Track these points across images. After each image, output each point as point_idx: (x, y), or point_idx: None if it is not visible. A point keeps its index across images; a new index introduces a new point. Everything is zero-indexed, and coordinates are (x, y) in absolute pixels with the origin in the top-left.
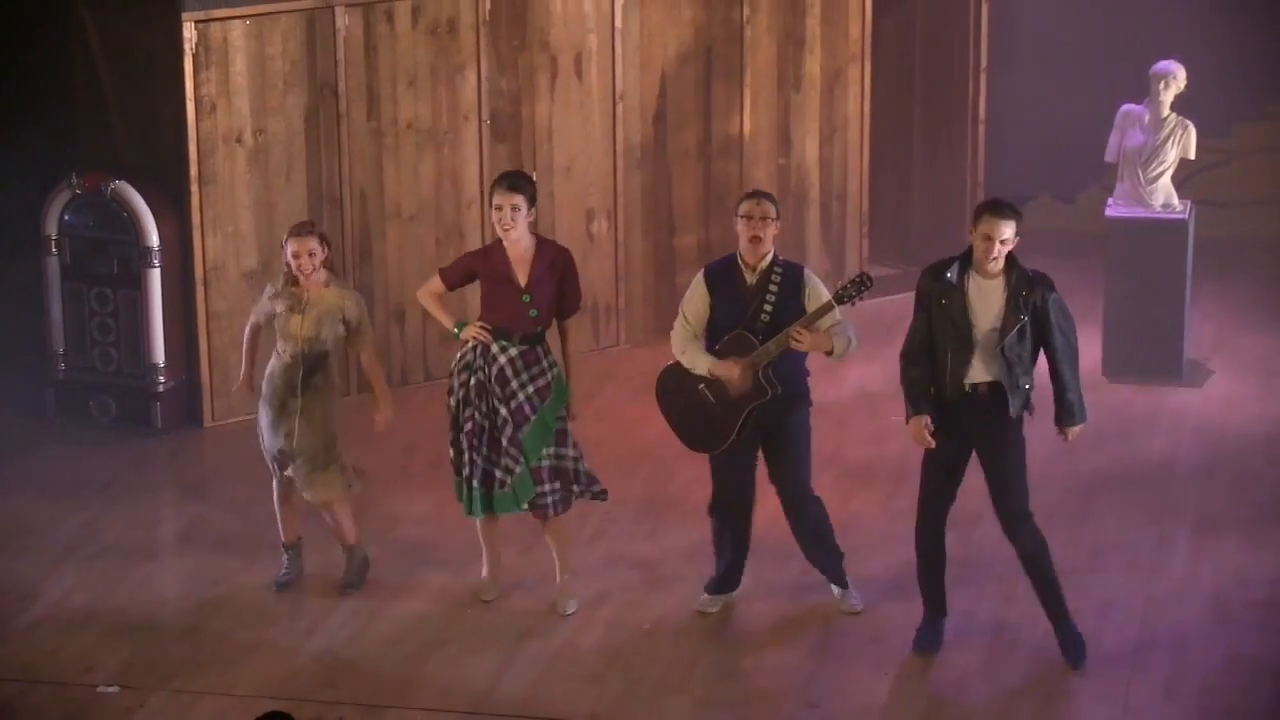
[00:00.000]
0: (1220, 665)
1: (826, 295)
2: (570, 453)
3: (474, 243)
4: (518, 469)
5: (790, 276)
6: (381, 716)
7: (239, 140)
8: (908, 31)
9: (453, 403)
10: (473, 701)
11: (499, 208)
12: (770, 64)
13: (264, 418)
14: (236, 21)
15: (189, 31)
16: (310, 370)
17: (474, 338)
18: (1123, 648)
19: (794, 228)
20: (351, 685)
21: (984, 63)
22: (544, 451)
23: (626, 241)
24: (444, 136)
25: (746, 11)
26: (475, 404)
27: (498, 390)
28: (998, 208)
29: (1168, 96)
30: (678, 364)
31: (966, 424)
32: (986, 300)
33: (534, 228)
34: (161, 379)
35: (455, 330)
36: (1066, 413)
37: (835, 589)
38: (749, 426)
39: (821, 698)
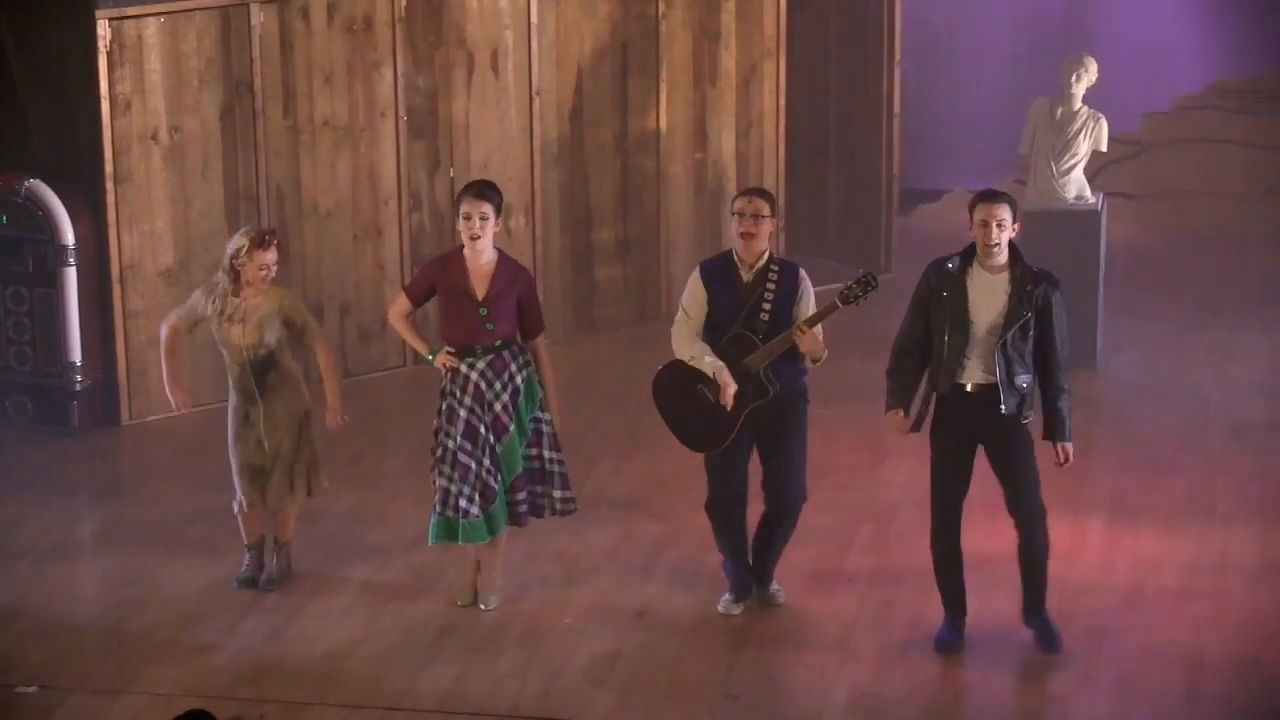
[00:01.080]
0: (1136, 653)
1: (813, 300)
2: (548, 454)
3: (391, 239)
4: (494, 493)
5: (787, 276)
6: (302, 714)
7: (154, 138)
8: (822, 26)
9: (434, 425)
10: (394, 698)
11: (467, 216)
12: (686, 59)
13: (230, 433)
14: (151, 19)
15: (103, 29)
16: (261, 373)
17: (444, 365)
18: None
19: (711, 222)
20: (272, 683)
21: (898, 56)
22: (522, 454)
23: (544, 237)
24: (361, 133)
25: (662, 7)
26: (445, 429)
27: (477, 410)
28: (990, 193)
29: (1080, 89)
30: (676, 363)
31: (967, 422)
32: (990, 294)
33: (497, 240)
34: (78, 378)
35: (430, 358)
36: (1059, 427)
37: (758, 586)
38: (747, 425)
39: (741, 688)
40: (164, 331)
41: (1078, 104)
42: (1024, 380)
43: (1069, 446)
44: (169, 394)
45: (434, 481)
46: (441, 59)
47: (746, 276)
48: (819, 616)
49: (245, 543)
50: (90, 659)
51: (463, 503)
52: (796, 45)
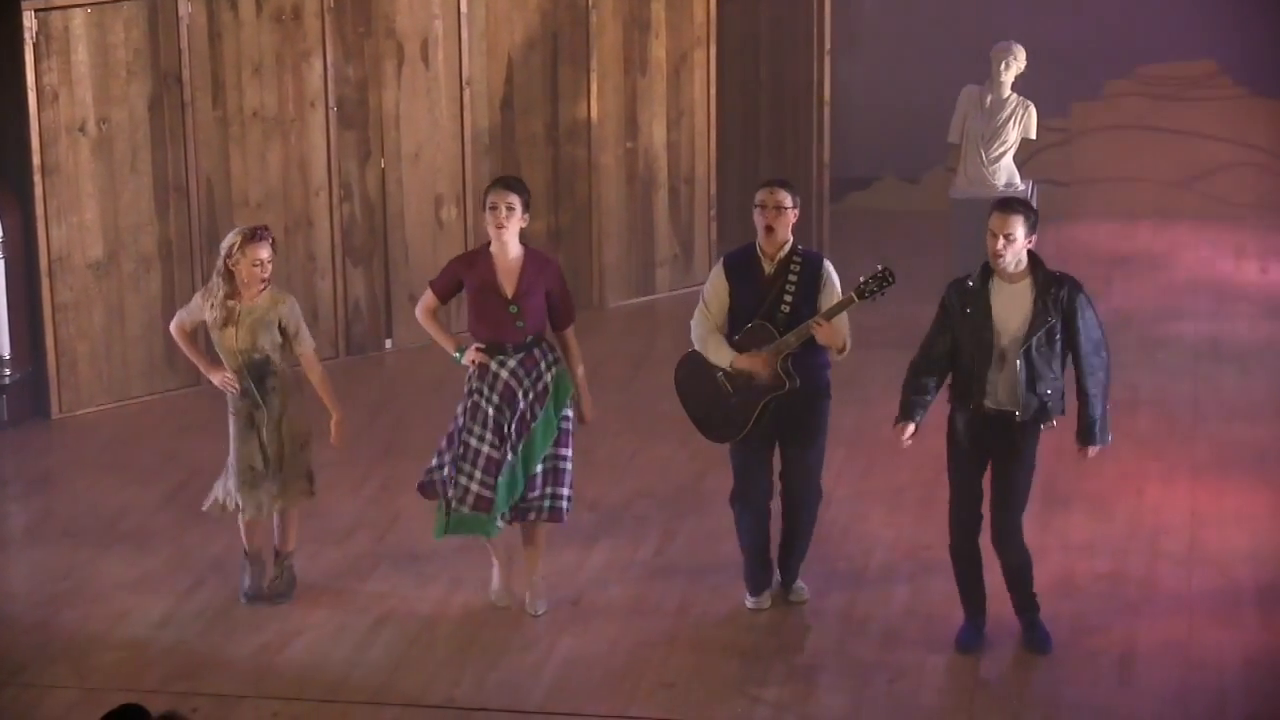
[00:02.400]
0: (1068, 636)
1: (839, 290)
2: (567, 453)
3: (322, 231)
4: (504, 483)
5: (810, 267)
6: (236, 707)
7: (82, 130)
8: (752, 15)
9: (450, 436)
10: (329, 689)
11: (494, 206)
12: (616, 48)
13: (233, 437)
14: (78, 10)
15: (29, 20)
16: (259, 378)
17: (473, 363)
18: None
19: (642, 211)
20: (205, 677)
21: (828, 45)
22: (544, 453)
23: (476, 228)
24: (290, 124)
25: None
26: (469, 427)
27: (506, 410)
28: (1004, 204)
29: (1008, 77)
30: (694, 354)
31: (988, 435)
32: (1012, 304)
33: (524, 236)
34: (7, 371)
35: (456, 357)
36: (1087, 430)
37: (779, 580)
38: (766, 417)
39: (676, 676)
40: (173, 332)
41: (1007, 91)
42: (1048, 388)
43: (1095, 449)
44: (211, 379)
45: (449, 477)
46: (371, 49)
47: (768, 268)
48: (745, 604)
49: (245, 550)
50: (21, 654)
51: (485, 493)
52: (726, 34)
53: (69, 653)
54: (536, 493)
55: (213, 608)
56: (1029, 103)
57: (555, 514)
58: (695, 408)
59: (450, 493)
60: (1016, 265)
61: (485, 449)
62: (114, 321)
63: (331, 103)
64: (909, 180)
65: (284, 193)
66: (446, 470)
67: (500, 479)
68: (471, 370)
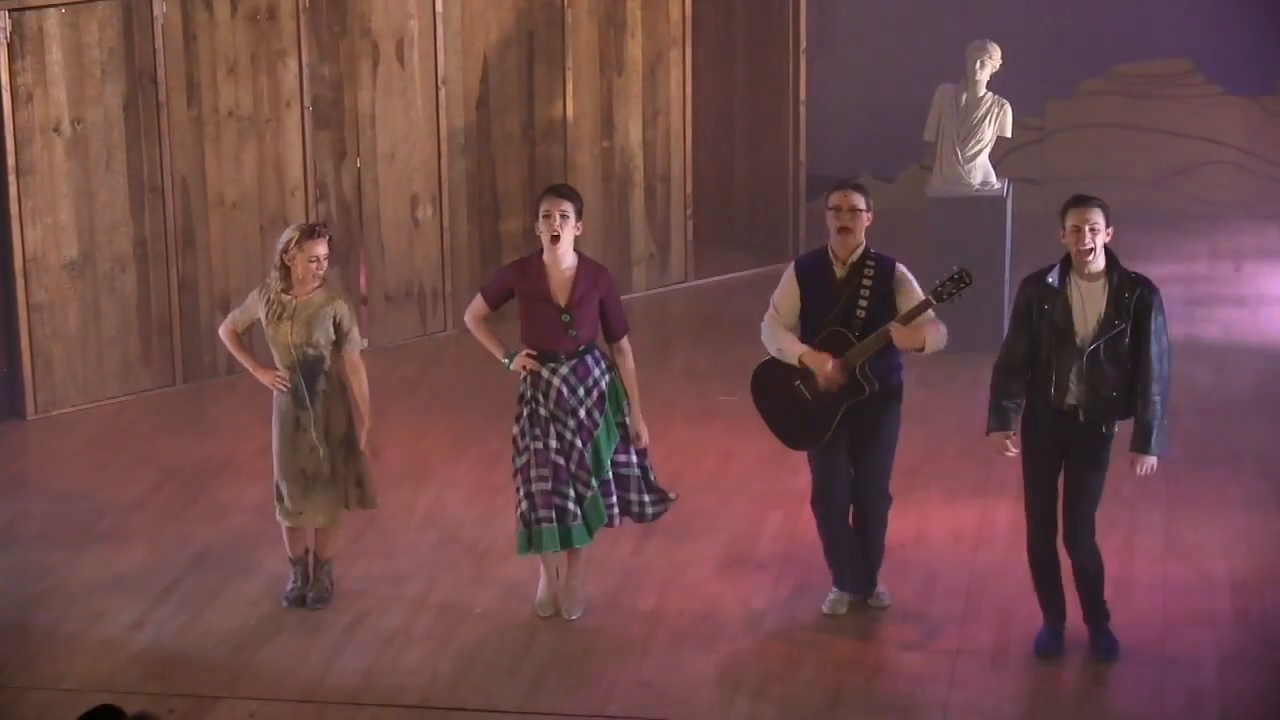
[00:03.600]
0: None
1: (918, 291)
2: (634, 460)
3: None
4: (589, 494)
5: (884, 271)
6: (212, 708)
7: (57, 130)
8: (728, 14)
9: (514, 433)
10: (304, 690)
11: (547, 215)
12: (592, 47)
13: (278, 439)
14: (52, 10)
15: (3, 20)
16: (311, 377)
17: (524, 368)
18: (949, 622)
19: (619, 210)
20: (181, 677)
21: (804, 44)
22: (611, 460)
23: (451, 227)
24: (266, 124)
25: None
26: (531, 434)
27: (561, 415)
28: (1081, 198)
29: (984, 75)
30: (772, 361)
31: (1061, 433)
32: (1089, 304)
33: (576, 245)
34: None
35: (506, 362)
36: (1143, 438)
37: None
38: (843, 422)
39: (653, 675)
40: (222, 335)
41: (982, 90)
42: (1112, 390)
43: (1149, 461)
44: (260, 378)
45: (518, 490)
46: (346, 49)
47: (840, 272)
48: (730, 603)
49: (289, 556)
50: None
51: (557, 501)
52: (702, 33)
53: (45, 654)
54: (614, 497)
55: (188, 608)
56: (1004, 101)
57: (641, 517)
58: (774, 418)
59: (525, 505)
60: (1097, 263)
61: (551, 455)
62: (89, 321)
63: (307, 102)
64: (885, 179)
65: (259, 192)
66: (519, 480)
67: (586, 493)
68: (524, 376)
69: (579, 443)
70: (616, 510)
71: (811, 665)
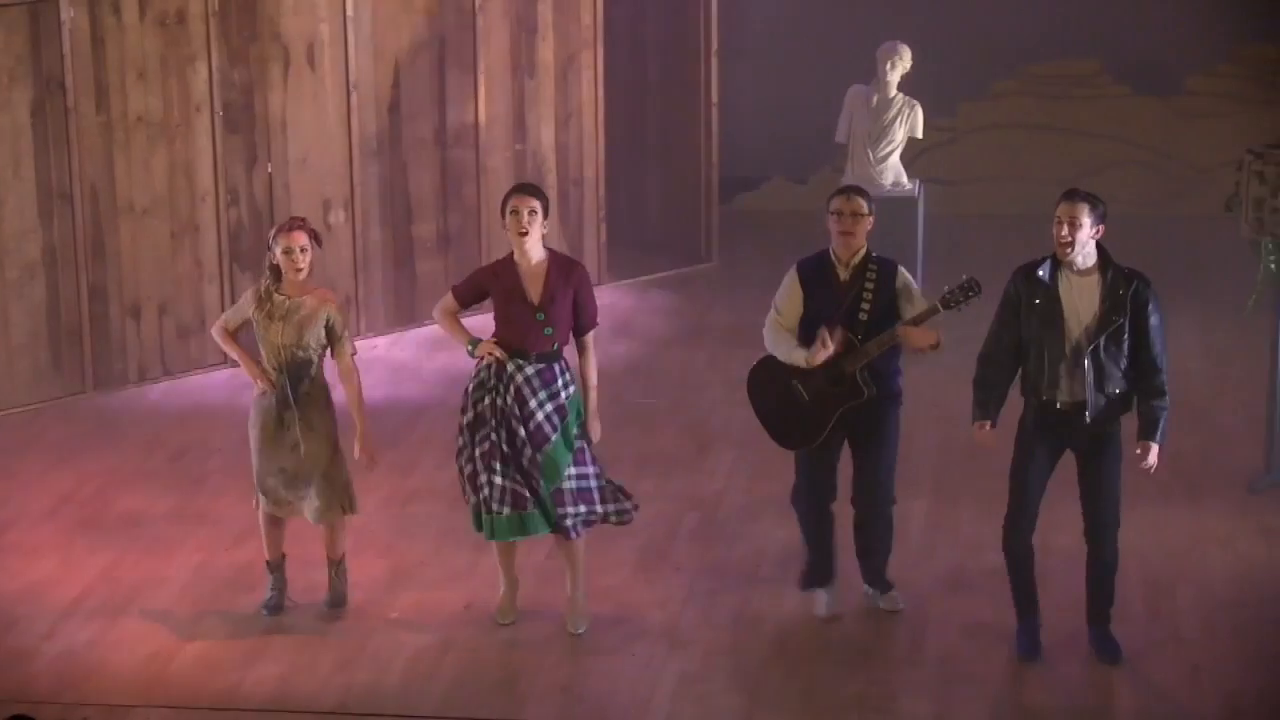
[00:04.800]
0: (957, 633)
1: (918, 292)
2: (591, 470)
3: (209, 236)
4: (540, 489)
5: (886, 273)
6: (126, 716)
7: None
8: (639, 17)
9: (464, 421)
10: (220, 698)
11: (515, 211)
12: (503, 51)
13: (256, 438)
14: None
15: None
16: (297, 378)
17: (488, 354)
18: (864, 620)
19: None
20: (95, 686)
21: (715, 46)
22: (567, 472)
23: (364, 232)
24: (176, 129)
25: None
26: (491, 425)
27: (516, 411)
28: (1072, 192)
29: (894, 77)
30: (769, 359)
31: (1062, 430)
32: (1081, 298)
33: (546, 241)
34: None
35: (470, 348)
36: (1150, 428)
37: (871, 589)
38: (839, 425)
39: (571, 679)
40: (215, 334)
41: (893, 91)
42: (1116, 387)
43: (1156, 448)
44: (249, 374)
45: (475, 478)
46: (257, 53)
47: (844, 275)
48: (647, 605)
49: (266, 560)
50: None
51: (520, 489)
52: (614, 36)
53: None
54: (569, 509)
55: (101, 617)
56: (915, 102)
57: (589, 525)
58: (768, 416)
59: (485, 493)
60: (1084, 258)
61: (504, 447)
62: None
63: (217, 107)
64: (797, 180)
65: (170, 198)
66: (472, 468)
67: (539, 487)
68: (487, 365)
69: (529, 449)
70: (571, 523)
71: (728, 667)
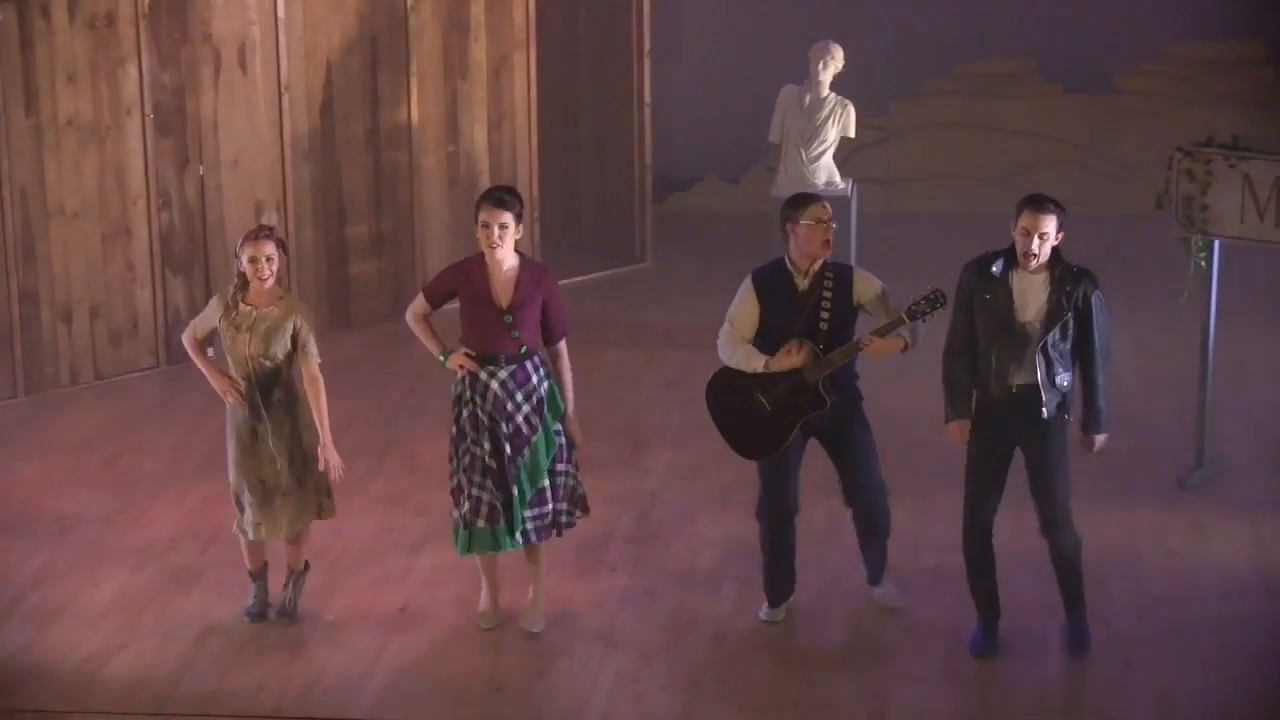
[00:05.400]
0: (895, 631)
1: (876, 282)
2: (567, 468)
3: (141, 239)
4: (515, 498)
5: (842, 279)
6: None
7: None
8: (572, 17)
9: (452, 434)
10: (155, 703)
11: (485, 225)
12: (436, 51)
13: (233, 451)
14: None
15: None
16: (267, 389)
17: (460, 367)
18: (801, 619)
19: (465, 215)
20: (28, 692)
21: (647, 46)
22: (547, 467)
23: (297, 233)
24: (106, 132)
25: (410, 0)
26: (471, 437)
27: (497, 417)
28: (1038, 201)
29: (826, 76)
30: (726, 370)
31: (1011, 423)
32: (1030, 295)
33: (518, 245)
34: None
35: (441, 359)
36: (1094, 419)
37: (876, 588)
38: (801, 435)
39: (506, 680)
40: (185, 342)
41: (825, 91)
42: (1064, 380)
43: (1102, 437)
44: (217, 389)
45: (460, 492)
46: (187, 55)
47: (802, 284)
48: (583, 606)
49: (249, 570)
50: None
51: (495, 502)
52: (546, 36)
53: None
54: (549, 507)
55: (34, 622)
56: (847, 102)
57: (569, 526)
58: (729, 426)
59: (466, 507)
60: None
61: (487, 459)
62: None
63: (148, 109)
64: (730, 180)
65: (101, 201)
66: (457, 481)
67: (514, 494)
68: (460, 377)
69: (508, 449)
70: (544, 524)
71: (665, 667)
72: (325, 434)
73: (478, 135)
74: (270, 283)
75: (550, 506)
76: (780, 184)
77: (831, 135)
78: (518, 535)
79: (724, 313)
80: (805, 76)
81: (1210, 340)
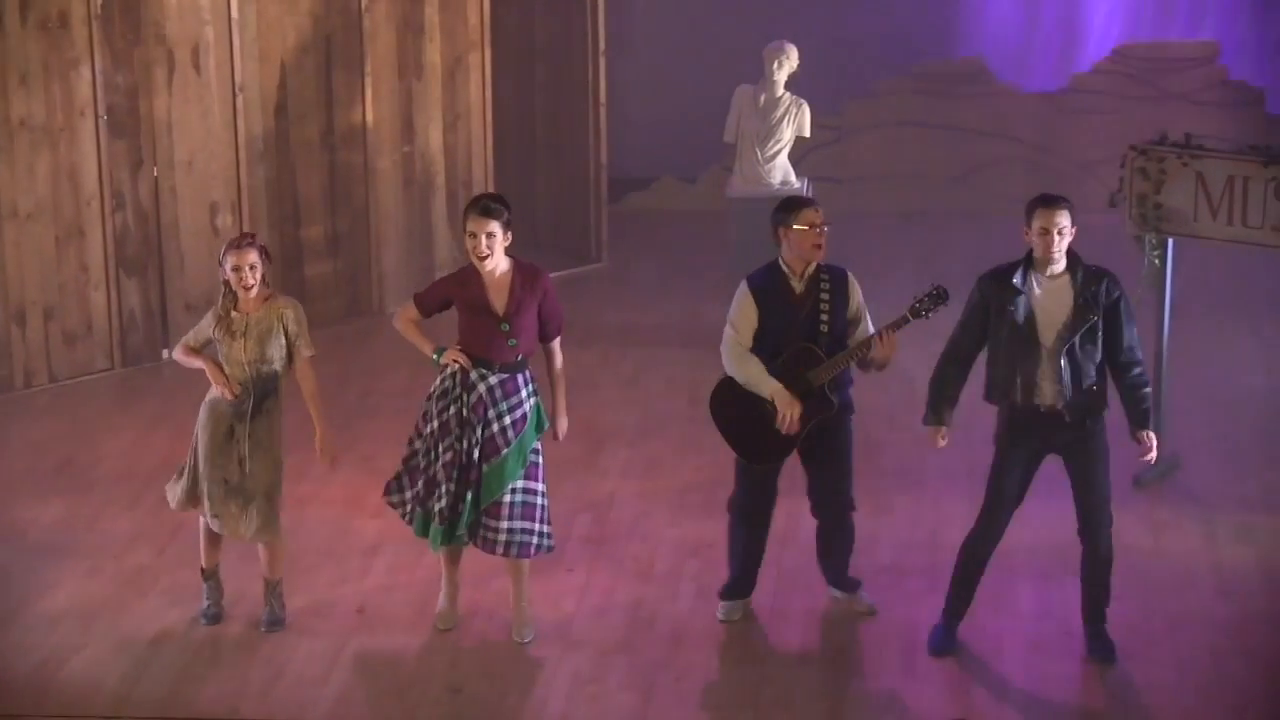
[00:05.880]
0: (852, 629)
1: (860, 296)
2: (539, 488)
3: (95, 241)
4: (464, 504)
5: (837, 281)
6: None
7: None
8: (527, 17)
9: (427, 430)
10: (111, 706)
11: (473, 235)
12: (390, 52)
13: (204, 443)
14: None
15: None
16: (261, 396)
17: (453, 362)
18: (758, 618)
19: (421, 216)
20: None
21: (603, 46)
22: (512, 485)
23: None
24: (60, 133)
25: (365, 1)
26: (455, 434)
27: (474, 420)
28: (1050, 199)
29: (781, 76)
30: (731, 379)
31: (1042, 433)
32: (1054, 302)
33: (509, 250)
34: None
35: (434, 357)
36: (1144, 416)
37: (839, 592)
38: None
39: (464, 681)
40: (177, 356)
41: (780, 90)
42: (1092, 384)
43: (1152, 435)
44: (215, 383)
45: (439, 487)
46: (141, 56)
47: (799, 287)
48: (540, 606)
49: (201, 567)
50: None
51: (448, 504)
52: (501, 37)
53: None
54: (504, 524)
55: None
56: (802, 101)
57: (523, 549)
58: (735, 433)
59: (442, 504)
60: (1060, 263)
61: (464, 458)
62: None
63: (101, 111)
64: (686, 180)
65: (54, 203)
66: (429, 477)
67: (467, 495)
68: (448, 371)
69: (476, 454)
70: (516, 539)
71: (622, 666)
72: (320, 426)
73: (433, 136)
74: (255, 290)
75: (504, 524)
76: (736, 183)
77: (786, 135)
78: (462, 533)
79: (681, 312)
80: (760, 76)
81: (1164, 338)
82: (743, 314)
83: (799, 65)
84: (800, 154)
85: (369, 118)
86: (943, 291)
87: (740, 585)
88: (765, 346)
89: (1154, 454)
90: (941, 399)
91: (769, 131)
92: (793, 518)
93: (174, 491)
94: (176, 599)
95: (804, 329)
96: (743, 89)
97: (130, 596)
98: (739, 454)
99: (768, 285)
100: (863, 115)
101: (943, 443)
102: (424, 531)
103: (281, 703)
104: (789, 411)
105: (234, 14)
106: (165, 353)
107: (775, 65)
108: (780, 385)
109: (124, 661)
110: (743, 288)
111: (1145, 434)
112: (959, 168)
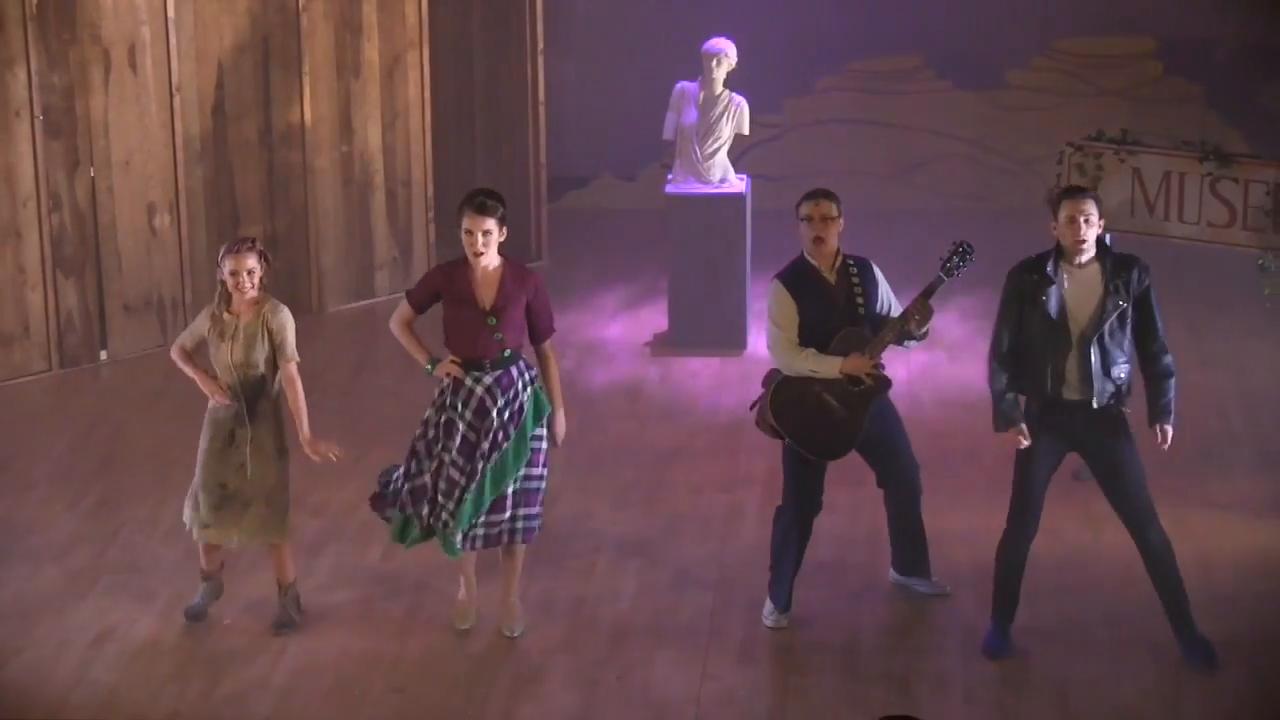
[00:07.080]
0: (792, 627)
1: (888, 287)
2: (538, 472)
3: (31, 242)
4: (465, 503)
5: (864, 269)
6: None
7: None
8: (465, 16)
9: (427, 437)
10: (51, 708)
11: (469, 232)
12: (328, 51)
13: (203, 449)
14: None
15: None
16: (253, 398)
17: (448, 375)
18: (700, 616)
19: (360, 215)
20: None
21: (541, 44)
22: (514, 475)
23: (190, 235)
24: None
25: (302, 0)
26: (443, 443)
27: (476, 424)
28: (1074, 190)
29: (720, 74)
30: (786, 380)
31: (1064, 428)
32: (1084, 291)
33: (502, 248)
34: None
35: (429, 369)
36: (1166, 409)
37: (918, 582)
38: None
39: (406, 681)
40: (173, 355)
41: (719, 88)
42: (1121, 371)
43: (1169, 429)
44: (205, 390)
45: (421, 483)
46: (77, 56)
47: (830, 277)
48: (482, 605)
49: (202, 569)
50: None
51: (445, 515)
52: (439, 35)
53: None
54: (506, 514)
55: None
56: (741, 99)
57: (527, 534)
58: (802, 434)
59: (426, 509)
60: (1089, 252)
61: (454, 472)
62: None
63: (37, 111)
64: (625, 178)
65: None
66: (421, 484)
67: (467, 496)
68: (445, 384)
69: (484, 455)
70: (519, 526)
71: (564, 665)
72: (303, 431)
73: (371, 135)
74: (252, 294)
75: (507, 514)
76: (675, 181)
77: (726, 132)
78: (461, 540)
79: (621, 309)
80: (699, 74)
81: None
82: (783, 310)
83: (738, 63)
84: (739, 152)
85: (307, 117)
86: (966, 246)
87: (786, 589)
88: (810, 338)
89: (1169, 439)
90: (1006, 403)
91: (708, 129)
92: (732, 513)
93: (187, 512)
94: (117, 600)
95: (844, 315)
96: (682, 87)
97: (70, 597)
98: (811, 453)
99: (799, 279)
100: (802, 113)
101: (1025, 442)
102: (401, 536)
103: (223, 704)
104: (863, 369)
105: (170, 13)
106: (103, 353)
107: (714, 63)
108: (842, 358)
109: (63, 664)
110: (775, 285)
111: (1166, 427)
112: (898, 165)
